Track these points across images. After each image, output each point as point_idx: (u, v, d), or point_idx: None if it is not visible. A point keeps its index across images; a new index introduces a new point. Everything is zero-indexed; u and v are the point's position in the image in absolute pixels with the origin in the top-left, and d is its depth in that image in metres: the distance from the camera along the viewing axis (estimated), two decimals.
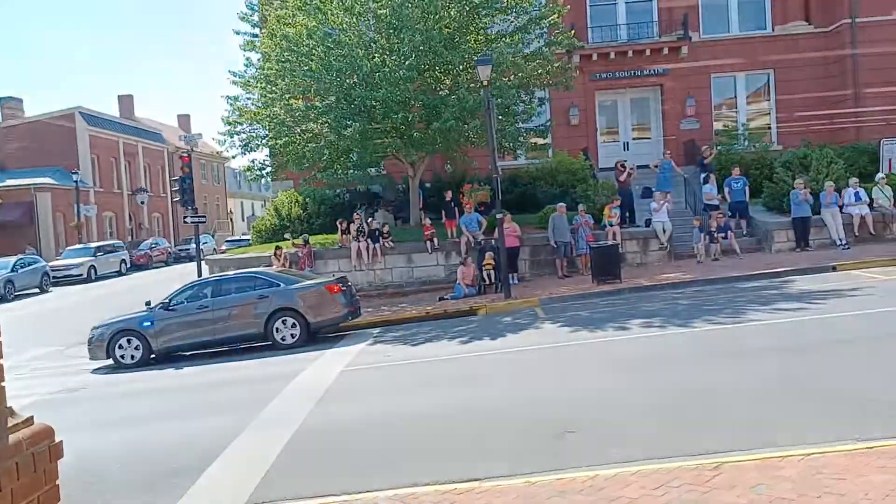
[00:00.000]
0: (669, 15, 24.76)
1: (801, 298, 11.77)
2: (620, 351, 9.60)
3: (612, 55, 24.67)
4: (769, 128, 25.43)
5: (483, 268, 17.09)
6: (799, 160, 19.42)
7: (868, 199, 17.73)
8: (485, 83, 15.87)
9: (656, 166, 20.55)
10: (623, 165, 19.70)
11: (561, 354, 9.86)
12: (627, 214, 19.14)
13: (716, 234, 17.60)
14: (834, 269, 14.59)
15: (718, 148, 23.11)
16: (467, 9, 18.65)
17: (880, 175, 18.86)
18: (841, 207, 17.52)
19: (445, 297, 16.77)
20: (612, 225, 17.76)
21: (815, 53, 24.36)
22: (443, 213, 19.37)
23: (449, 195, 19.38)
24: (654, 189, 19.94)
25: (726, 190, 19.08)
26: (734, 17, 25.34)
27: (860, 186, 17.96)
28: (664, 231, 17.99)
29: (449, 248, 18.67)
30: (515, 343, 11.14)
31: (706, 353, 8.80)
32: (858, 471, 4.30)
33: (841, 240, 17.09)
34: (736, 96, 25.75)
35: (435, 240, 18.57)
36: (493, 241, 17.58)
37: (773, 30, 25.06)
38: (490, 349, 10.84)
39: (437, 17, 18.07)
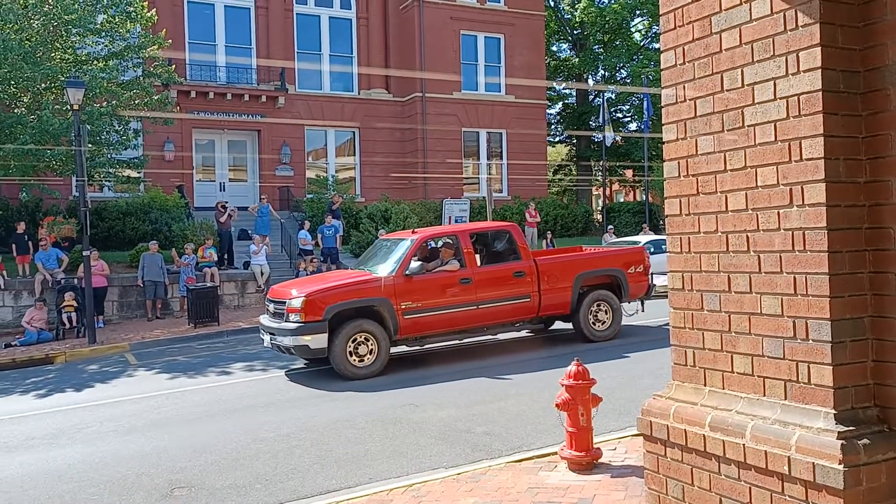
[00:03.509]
0: (268, 64, 25.71)
1: None
2: (224, 396, 9.58)
3: (212, 95, 24.61)
4: (354, 180, 27.89)
5: (63, 310, 15.39)
6: (381, 213, 21.73)
7: None
8: (75, 107, 14.54)
9: (255, 209, 21.00)
10: (224, 206, 19.71)
11: (161, 404, 9.43)
12: (226, 256, 19.13)
13: None
14: None
15: (310, 196, 24.58)
16: (55, 23, 16.89)
17: None
18: None
19: (14, 342, 14.65)
20: (210, 266, 17.57)
21: (393, 119, 27.60)
22: (13, 247, 16.98)
23: (22, 227, 17.08)
24: (251, 232, 20.33)
25: (319, 236, 20.37)
26: (326, 76, 27.41)
27: None
28: (262, 274, 18.41)
29: (20, 288, 16.39)
30: (107, 394, 10.30)
31: (308, 394, 9.32)
32: (453, 496, 5.10)
33: None
34: (327, 149, 27.74)
35: (1, 278, 16.17)
36: (74, 279, 16.00)
37: (358, 93, 27.73)
38: (77, 402, 9.85)
39: (17, 26, 16.00)
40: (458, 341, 11.24)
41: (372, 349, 10.04)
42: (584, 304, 11.41)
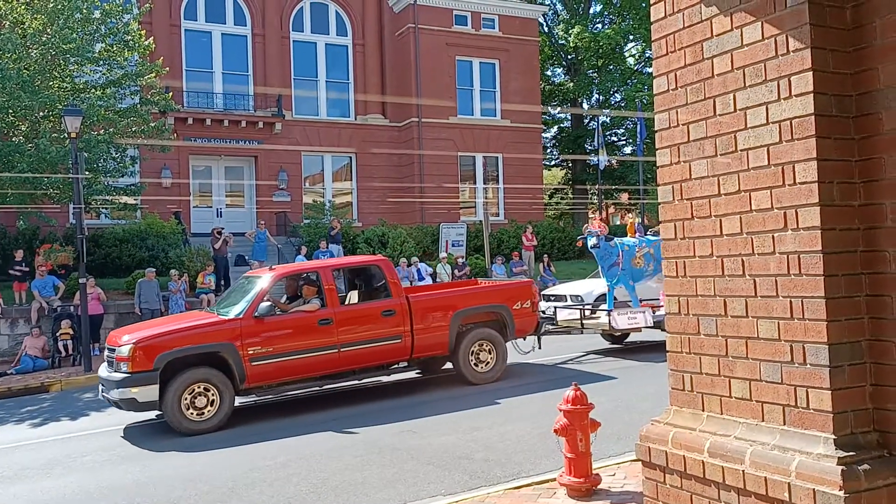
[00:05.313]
0: (265, 91, 25.89)
1: None
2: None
3: (209, 121, 24.75)
4: (351, 205, 27.93)
5: (59, 338, 15.32)
6: (378, 237, 21.75)
7: (433, 274, 20.63)
8: (72, 135, 14.59)
9: (252, 235, 21.01)
10: (219, 232, 19.72)
11: (157, 432, 9.37)
12: (222, 282, 19.09)
13: None
14: None
15: (307, 221, 24.61)
16: (53, 52, 17.01)
17: (443, 254, 22.12)
18: (412, 281, 20.02)
19: (9, 371, 14.54)
20: (207, 293, 17.52)
21: (390, 144, 27.73)
22: (10, 274, 16.96)
23: (19, 255, 17.06)
24: (248, 257, 20.32)
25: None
26: (323, 102, 27.59)
27: (423, 263, 20.83)
28: None
29: (16, 315, 16.32)
30: (102, 422, 10.20)
31: (310, 420, 9.24)
32: None
33: None
34: (324, 174, 27.83)
35: None
36: (70, 307, 15.94)
37: (355, 118, 27.89)
38: (72, 431, 9.76)
39: (15, 55, 16.11)
40: (318, 388, 10.31)
41: (213, 400, 9.08)
42: (464, 344, 10.60)
